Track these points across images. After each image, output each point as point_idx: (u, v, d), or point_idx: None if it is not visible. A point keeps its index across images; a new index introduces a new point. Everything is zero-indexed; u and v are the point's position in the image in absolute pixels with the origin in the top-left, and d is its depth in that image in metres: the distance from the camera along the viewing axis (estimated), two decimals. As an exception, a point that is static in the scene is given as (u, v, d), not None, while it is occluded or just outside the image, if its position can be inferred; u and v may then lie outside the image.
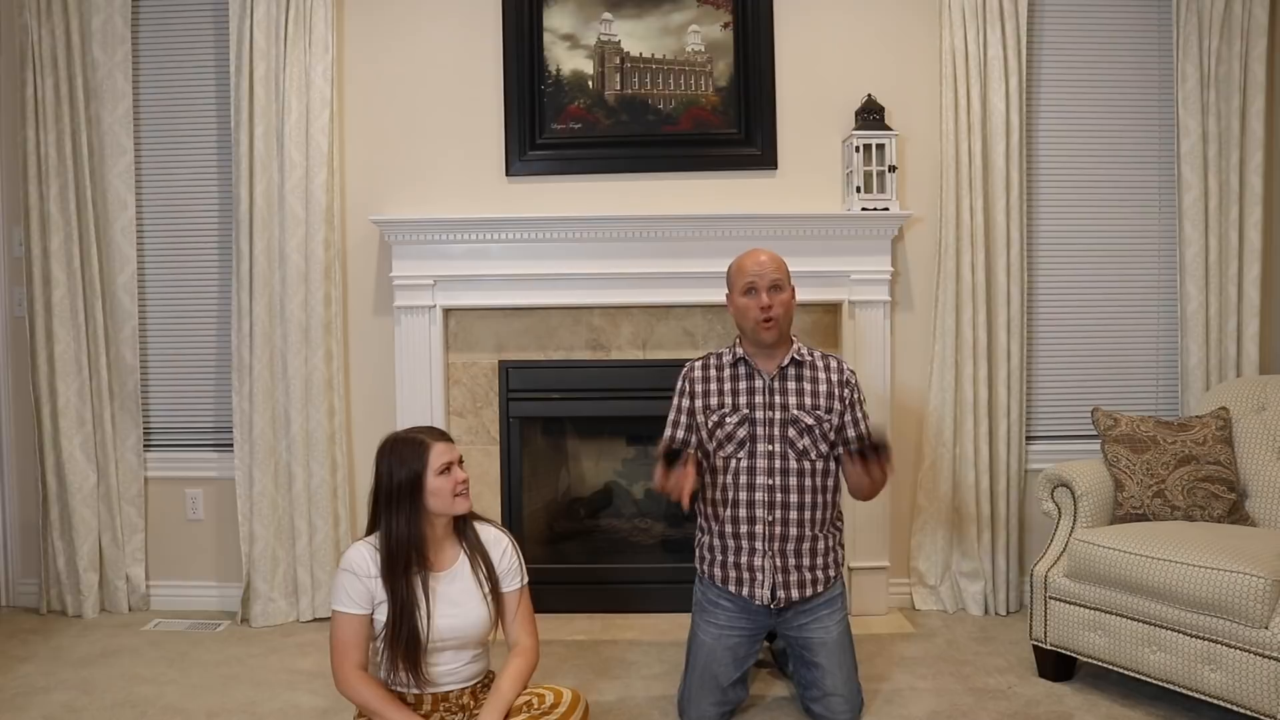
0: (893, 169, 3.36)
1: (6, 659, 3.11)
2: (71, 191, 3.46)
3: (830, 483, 2.52)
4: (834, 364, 2.55)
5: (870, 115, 3.39)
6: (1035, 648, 2.88)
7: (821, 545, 2.50)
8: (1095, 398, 3.51)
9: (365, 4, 3.53)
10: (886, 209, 3.35)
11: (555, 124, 3.51)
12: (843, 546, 2.60)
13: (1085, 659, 2.74)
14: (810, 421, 2.47)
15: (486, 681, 2.18)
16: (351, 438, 3.55)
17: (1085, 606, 2.72)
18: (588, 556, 3.67)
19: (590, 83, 3.50)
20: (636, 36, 3.48)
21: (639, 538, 3.73)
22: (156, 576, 3.65)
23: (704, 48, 3.49)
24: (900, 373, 3.50)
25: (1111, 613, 2.65)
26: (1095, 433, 3.01)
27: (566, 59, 3.49)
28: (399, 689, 2.06)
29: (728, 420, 2.49)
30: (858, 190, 3.35)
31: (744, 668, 2.54)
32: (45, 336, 3.48)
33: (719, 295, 3.39)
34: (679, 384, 2.61)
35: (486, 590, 2.10)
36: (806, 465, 2.46)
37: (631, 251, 3.38)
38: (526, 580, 2.20)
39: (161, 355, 3.65)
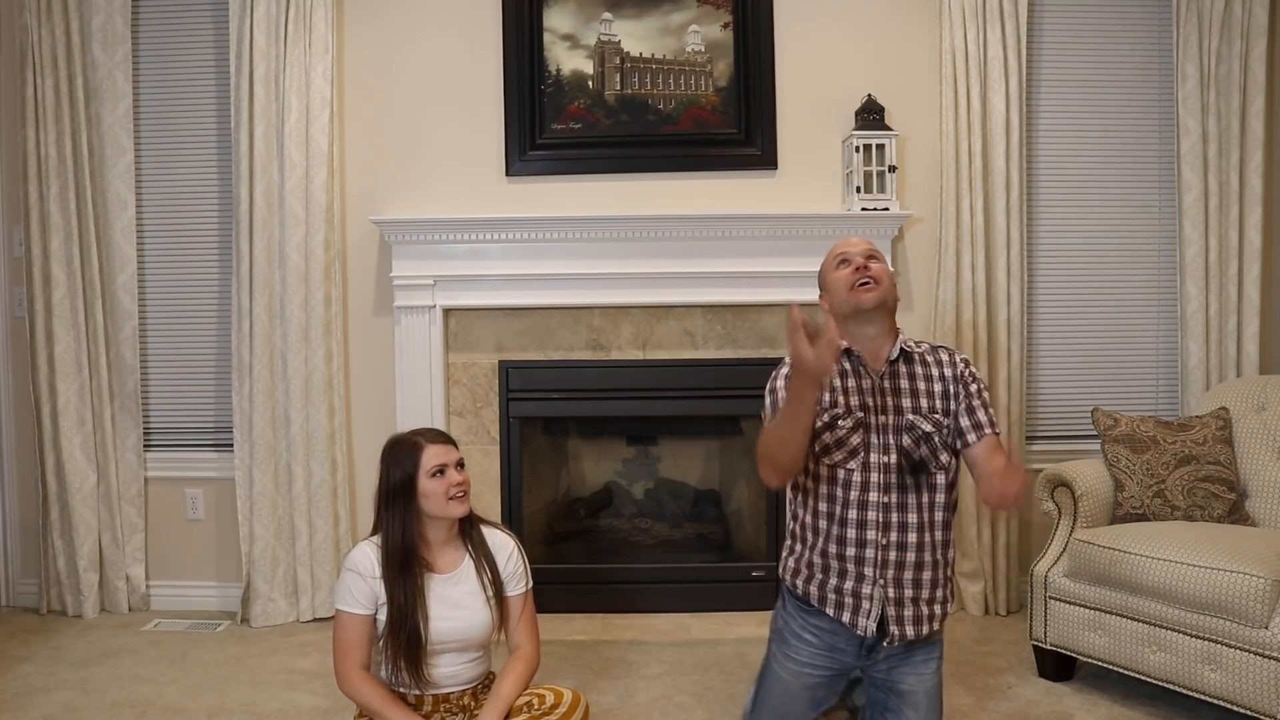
0: (893, 169, 3.36)
1: (6, 659, 3.11)
2: (71, 191, 3.46)
3: (951, 499, 2.13)
4: (946, 356, 2.16)
5: (870, 115, 3.39)
6: (1035, 648, 2.88)
7: (940, 575, 2.11)
8: (1095, 398, 3.51)
9: (366, 4, 3.53)
10: (886, 209, 3.35)
11: (555, 124, 3.51)
12: (953, 578, 2.21)
13: (1085, 659, 2.74)
14: (929, 428, 2.08)
15: (488, 683, 2.17)
16: (351, 438, 3.55)
17: (1085, 606, 2.72)
18: (588, 556, 3.67)
19: (590, 83, 3.50)
20: (636, 36, 3.48)
21: (639, 538, 3.73)
22: (156, 576, 3.65)
23: (704, 48, 3.49)
24: (900, 373, 3.50)
25: (1111, 613, 2.65)
26: (1095, 433, 3.01)
27: (566, 59, 3.49)
28: (400, 689, 2.06)
29: (840, 424, 2.08)
30: (858, 190, 3.35)
31: (820, 709, 2.20)
32: (45, 336, 3.48)
33: (719, 295, 3.42)
34: (775, 380, 2.17)
35: (490, 594, 2.09)
36: (925, 479, 2.08)
37: (631, 251, 3.38)
38: (531, 584, 2.19)
39: (161, 355, 3.65)
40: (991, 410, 2.13)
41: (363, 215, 3.51)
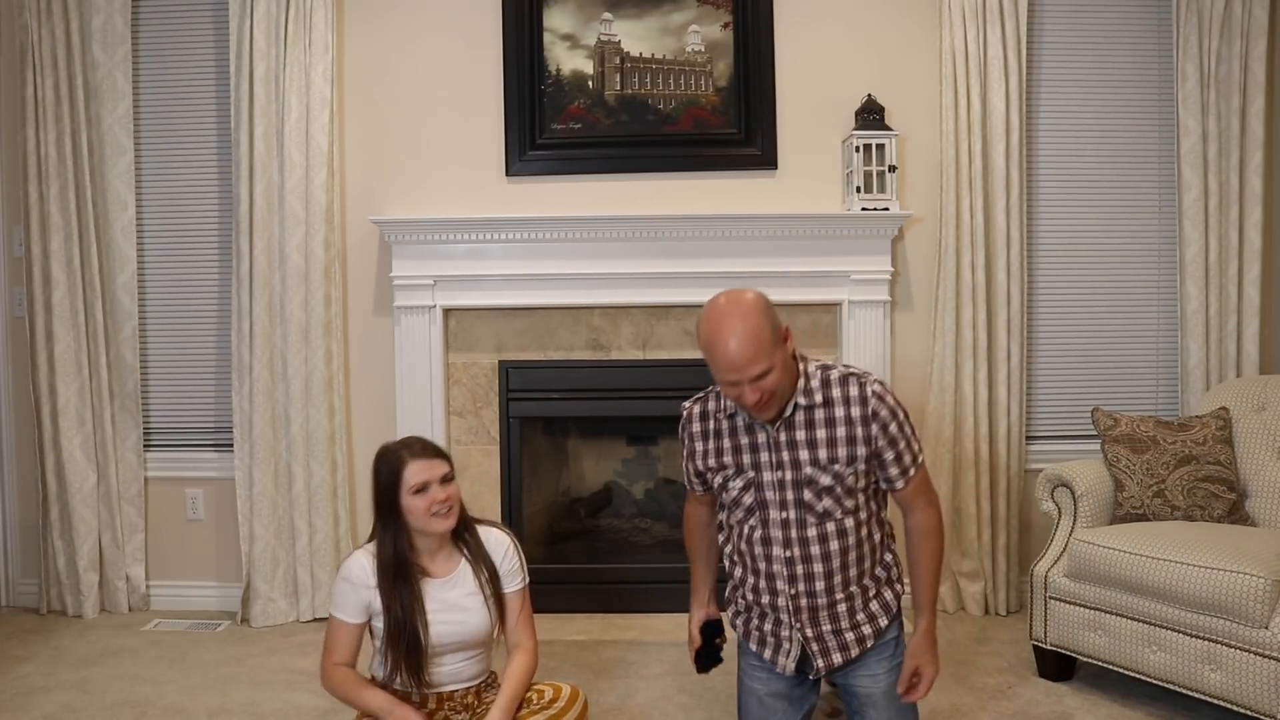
0: (893, 169, 3.36)
1: (6, 659, 3.11)
2: (71, 191, 3.46)
3: (865, 531, 2.02)
4: (854, 392, 1.94)
5: (870, 115, 3.39)
6: (1035, 648, 2.88)
7: (860, 602, 2.03)
8: (1095, 398, 3.51)
9: (365, 5, 3.53)
10: (886, 209, 3.35)
11: (555, 124, 3.51)
12: (898, 581, 2.10)
13: (1085, 659, 2.74)
14: (828, 481, 1.95)
15: (490, 680, 2.17)
16: (351, 438, 3.55)
17: (1085, 606, 2.72)
18: (588, 556, 3.67)
19: (590, 83, 3.50)
20: (636, 36, 3.48)
21: (639, 538, 3.73)
22: (156, 576, 3.65)
23: (704, 48, 3.49)
24: (900, 373, 3.50)
25: (1111, 613, 2.65)
26: (1095, 433, 3.01)
27: (566, 59, 3.49)
28: (401, 689, 2.06)
29: (731, 485, 2.02)
30: (858, 190, 3.35)
31: (804, 709, 2.16)
32: (45, 336, 3.48)
33: (719, 295, 3.42)
34: (679, 434, 2.13)
35: (489, 593, 2.08)
36: (831, 527, 1.97)
37: (631, 251, 3.38)
38: (527, 580, 2.18)
39: (161, 355, 3.65)
40: (911, 444, 1.98)
41: (363, 215, 3.51)
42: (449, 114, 3.53)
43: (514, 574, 2.14)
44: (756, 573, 2.04)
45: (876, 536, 2.05)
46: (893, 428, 1.94)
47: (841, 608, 2.02)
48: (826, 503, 1.96)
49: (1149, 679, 2.58)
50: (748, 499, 2.01)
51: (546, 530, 3.74)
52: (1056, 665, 2.84)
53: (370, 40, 3.53)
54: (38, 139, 3.45)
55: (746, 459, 2.00)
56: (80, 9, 3.44)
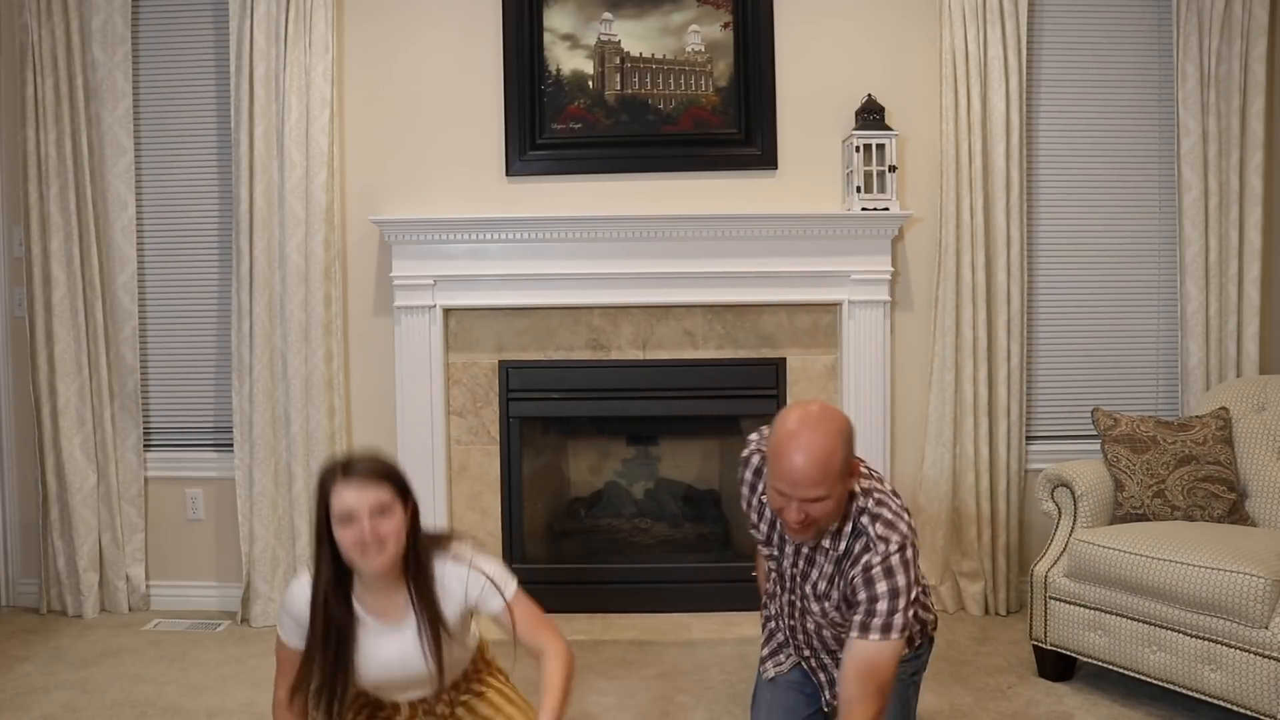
0: (893, 169, 3.36)
1: (6, 659, 3.11)
2: (71, 191, 3.46)
3: None
4: (861, 552, 1.82)
5: (870, 115, 3.38)
6: (1035, 648, 2.88)
7: None
8: (1095, 398, 3.51)
9: (366, 4, 3.53)
10: (886, 209, 3.35)
11: (555, 124, 3.51)
12: (923, 624, 2.05)
13: (1085, 659, 2.74)
14: (818, 609, 1.94)
15: (470, 688, 2.00)
16: (351, 438, 3.55)
17: (1085, 606, 2.72)
18: (588, 556, 3.67)
19: (590, 83, 3.50)
20: (636, 36, 3.48)
21: (639, 538, 3.73)
22: (156, 576, 3.65)
23: (704, 48, 3.48)
24: (900, 373, 3.50)
25: (1111, 613, 2.65)
26: (1095, 433, 3.01)
27: (566, 59, 3.49)
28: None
29: (761, 549, 2.10)
30: (858, 190, 3.35)
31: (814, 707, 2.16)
32: (45, 336, 3.48)
33: (719, 295, 3.42)
34: (739, 469, 2.11)
35: (428, 649, 1.80)
36: (828, 632, 1.98)
37: (631, 251, 3.38)
38: (511, 591, 1.87)
39: (161, 355, 3.65)
40: (873, 614, 1.77)
41: (363, 215, 3.51)
42: (449, 114, 3.53)
43: (489, 598, 1.84)
44: (777, 607, 2.11)
45: None
46: (861, 596, 1.79)
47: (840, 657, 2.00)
48: (819, 618, 1.96)
49: (1149, 679, 2.58)
50: (768, 564, 2.09)
51: (546, 530, 3.74)
52: (1056, 665, 2.84)
53: (370, 40, 3.53)
54: (38, 139, 3.45)
55: (776, 539, 2.00)
56: (80, 9, 3.44)
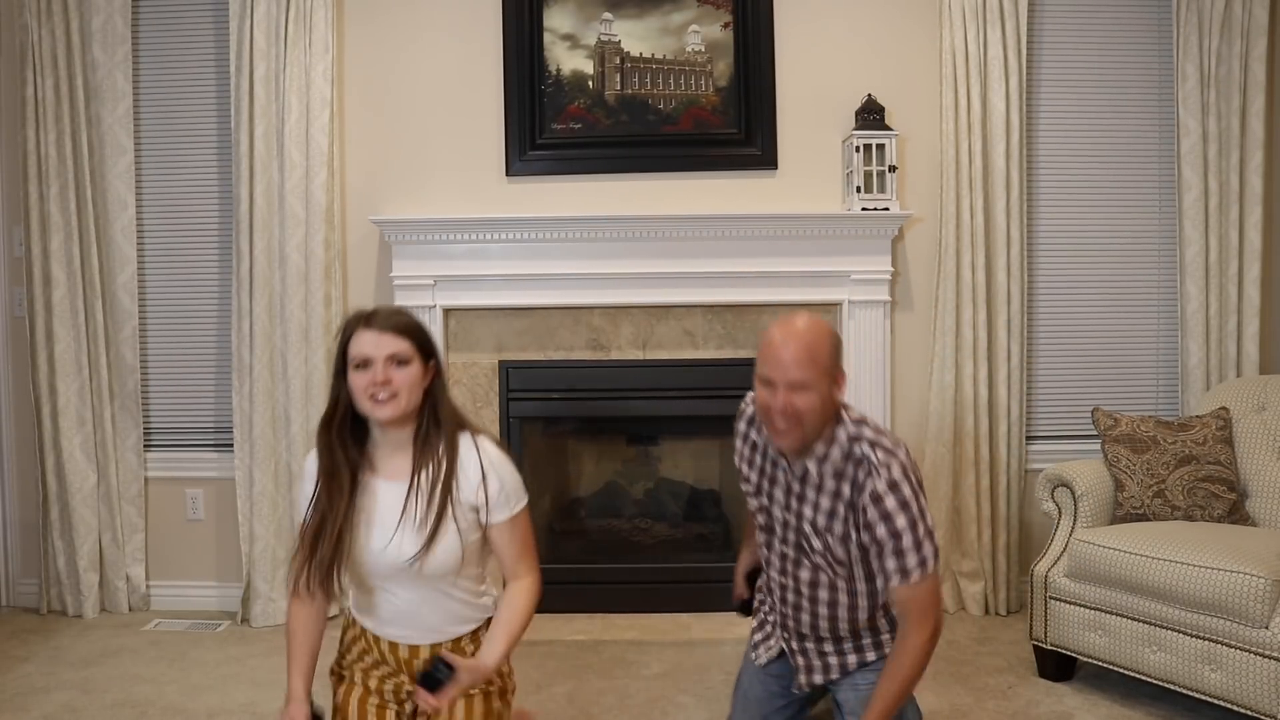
0: (893, 169, 3.36)
1: (6, 659, 3.11)
2: (71, 191, 3.46)
3: (859, 599, 1.95)
4: (861, 477, 1.82)
5: (870, 115, 3.39)
6: (1035, 648, 2.88)
7: (849, 645, 2.01)
8: (1095, 398, 3.51)
9: (366, 5, 3.53)
10: (886, 209, 3.35)
11: (555, 124, 3.51)
12: (880, 644, 2.03)
13: (1085, 659, 2.74)
14: (819, 544, 1.90)
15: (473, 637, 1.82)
16: (351, 438, 3.55)
17: (1085, 606, 2.72)
18: (588, 556, 3.67)
19: (590, 83, 3.50)
20: (636, 36, 3.48)
21: (639, 538, 3.73)
22: (156, 576, 3.65)
23: (704, 48, 3.49)
24: (900, 373, 3.50)
25: (1111, 613, 2.65)
26: (1095, 433, 3.01)
27: (566, 59, 3.49)
28: (358, 645, 1.81)
29: (750, 501, 2.07)
30: (858, 190, 3.35)
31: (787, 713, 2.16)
32: (45, 336, 3.48)
33: (719, 295, 3.42)
34: (735, 425, 2.12)
35: (415, 519, 1.68)
36: (824, 577, 1.93)
37: (631, 251, 3.38)
38: (520, 508, 1.79)
39: (161, 355, 3.65)
40: (905, 556, 1.78)
41: (363, 215, 3.51)
42: (449, 114, 3.53)
43: (500, 504, 1.74)
44: (766, 577, 2.11)
45: (873, 603, 1.97)
46: (880, 531, 1.79)
47: (827, 641, 2.02)
48: (818, 559, 1.93)
49: (1149, 679, 2.58)
50: (761, 519, 2.05)
51: (546, 530, 3.74)
52: (1056, 665, 2.84)
53: (370, 40, 3.53)
54: (38, 139, 3.45)
55: (765, 485, 2.00)
56: (80, 9, 3.44)
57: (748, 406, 2.08)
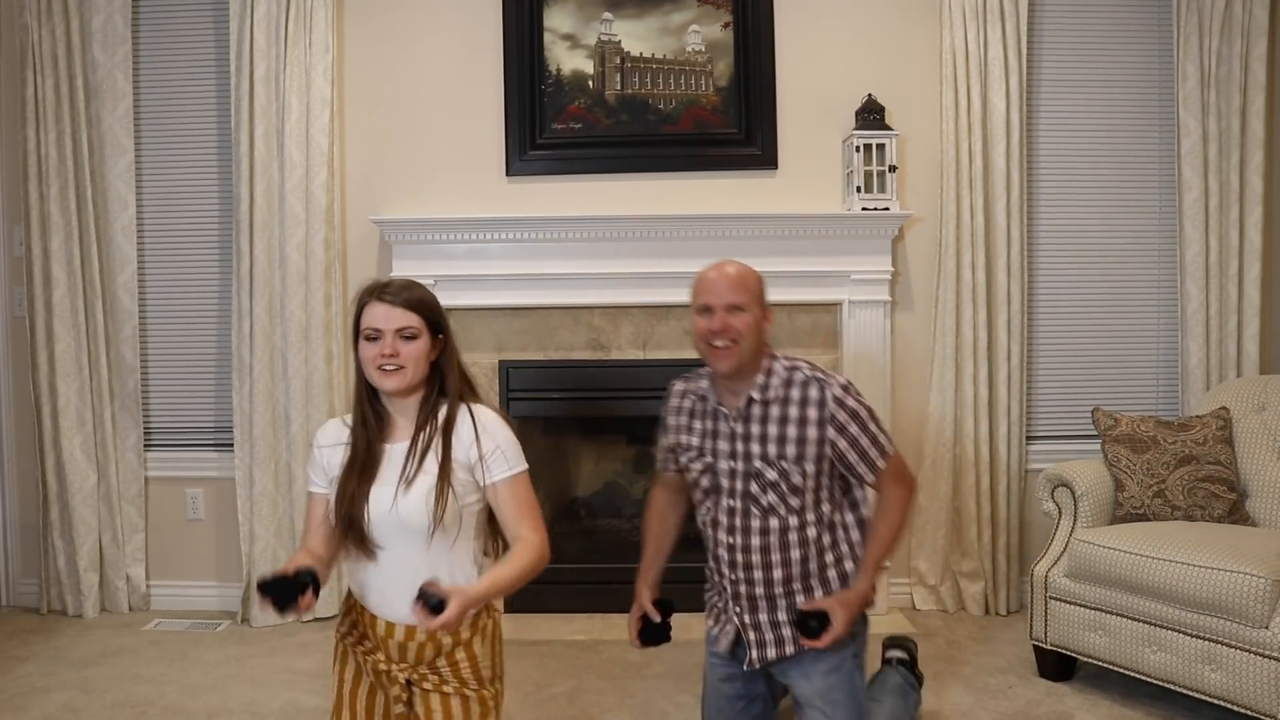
0: (893, 169, 3.36)
1: (6, 659, 3.11)
2: (71, 191, 3.46)
3: (814, 533, 2.05)
4: (814, 394, 2.00)
5: (870, 115, 3.39)
6: (1035, 648, 2.88)
7: (801, 600, 2.07)
8: (1095, 398, 3.51)
9: (366, 4, 3.53)
10: (887, 209, 3.35)
11: (555, 124, 3.51)
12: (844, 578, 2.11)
13: (1085, 659, 2.74)
14: (773, 476, 2.01)
15: (452, 660, 1.77)
16: (351, 438, 3.55)
17: (1085, 606, 2.72)
18: (588, 556, 3.67)
19: (590, 82, 3.50)
20: (636, 36, 3.48)
21: (639, 538, 3.71)
22: (156, 576, 3.65)
23: (704, 48, 3.48)
24: (900, 372, 3.50)
25: (1112, 613, 2.65)
26: (1095, 433, 3.01)
27: (567, 59, 3.49)
28: (352, 627, 1.81)
29: (692, 466, 2.13)
30: (858, 190, 3.35)
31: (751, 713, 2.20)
32: (45, 336, 3.48)
33: (719, 295, 3.42)
34: (665, 405, 2.22)
35: (406, 480, 1.73)
36: (774, 523, 2.03)
37: (632, 251, 3.38)
38: (518, 470, 1.86)
39: (161, 355, 3.65)
40: (876, 442, 2.03)
41: (363, 215, 3.51)
42: (449, 114, 3.53)
43: (496, 462, 1.80)
44: (712, 555, 2.18)
45: (826, 540, 2.08)
46: (853, 429, 2.01)
47: (781, 602, 2.08)
48: (771, 498, 2.03)
49: (1149, 679, 2.58)
50: (705, 481, 2.11)
51: (547, 530, 3.73)
52: (1056, 665, 2.84)
53: (370, 40, 3.53)
54: (38, 139, 3.45)
55: (708, 444, 2.10)
56: (80, 9, 3.44)
57: (673, 386, 2.21)
